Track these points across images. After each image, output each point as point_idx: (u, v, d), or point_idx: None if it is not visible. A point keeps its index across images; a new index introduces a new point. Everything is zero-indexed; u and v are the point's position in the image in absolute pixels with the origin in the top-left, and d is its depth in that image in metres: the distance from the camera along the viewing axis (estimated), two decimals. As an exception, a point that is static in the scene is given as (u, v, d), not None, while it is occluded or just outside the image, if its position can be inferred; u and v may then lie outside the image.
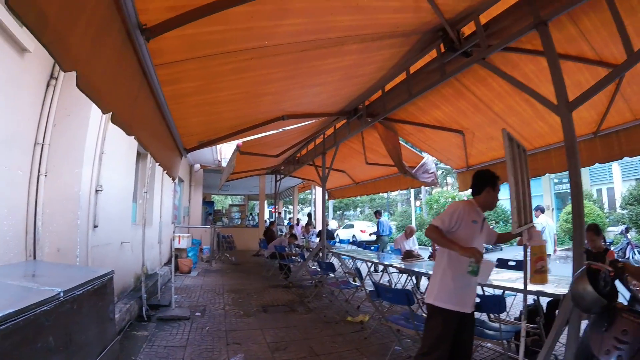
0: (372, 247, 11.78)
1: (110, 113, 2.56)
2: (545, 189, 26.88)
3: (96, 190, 5.67)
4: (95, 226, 5.64)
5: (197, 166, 18.34)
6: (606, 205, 23.22)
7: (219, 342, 5.67)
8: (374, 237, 26.12)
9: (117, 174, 6.71)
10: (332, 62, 4.80)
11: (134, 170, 7.69)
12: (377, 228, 15.02)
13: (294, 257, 11.63)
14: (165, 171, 5.39)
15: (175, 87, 4.04)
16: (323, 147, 10.31)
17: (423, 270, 6.53)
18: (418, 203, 42.77)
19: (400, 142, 8.76)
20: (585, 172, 23.69)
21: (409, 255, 7.91)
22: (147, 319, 6.57)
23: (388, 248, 13.69)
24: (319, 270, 9.41)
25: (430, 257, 8.43)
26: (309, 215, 23.50)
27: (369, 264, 10.35)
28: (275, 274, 11.73)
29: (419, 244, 16.97)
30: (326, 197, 10.88)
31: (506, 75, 4.26)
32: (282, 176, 17.13)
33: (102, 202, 5.84)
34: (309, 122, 8.83)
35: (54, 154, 5.02)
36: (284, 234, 17.85)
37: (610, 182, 23.79)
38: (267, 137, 9.17)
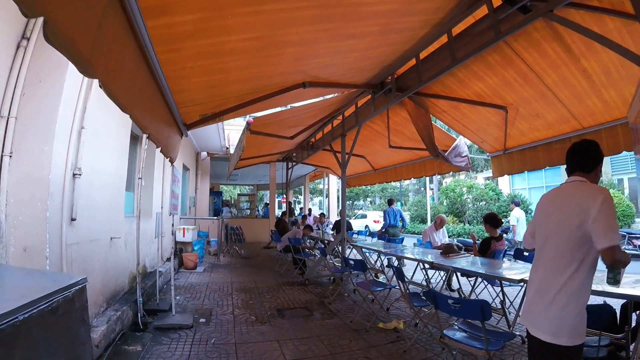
0: (397, 240, 10.66)
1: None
2: (564, 178, 25.77)
3: (73, 175, 4.59)
4: (73, 219, 4.56)
5: (204, 154, 17.35)
6: (627, 195, 22.01)
7: (228, 360, 4.62)
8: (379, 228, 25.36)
9: (105, 157, 5.64)
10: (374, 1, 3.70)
11: (127, 153, 6.64)
12: (384, 218, 13.30)
13: (310, 251, 10.59)
14: (159, 148, 4.31)
15: (166, 21, 2.91)
16: (342, 128, 9.28)
17: (482, 271, 5.57)
18: (430, 192, 41.91)
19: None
20: (606, 161, 22.76)
21: (449, 250, 6.81)
22: (143, 328, 5.56)
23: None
24: (341, 266, 8.36)
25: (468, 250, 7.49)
26: (309, 209, 22.45)
27: (386, 257, 9.37)
28: (289, 269, 10.64)
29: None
30: (345, 185, 9.77)
31: (585, 29, 3.48)
32: (294, 163, 16.12)
33: (82, 189, 4.74)
34: (331, 96, 7.77)
35: (22, 130, 3.97)
36: (297, 223, 16.89)
37: (632, 172, 22.75)
38: (282, 114, 8.03)
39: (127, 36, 2.60)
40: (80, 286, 2.96)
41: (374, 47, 4.97)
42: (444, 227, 9.53)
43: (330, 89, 6.84)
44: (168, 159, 5.03)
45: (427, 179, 32.79)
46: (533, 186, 29.49)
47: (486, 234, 7.19)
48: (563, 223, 2.57)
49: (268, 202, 23.62)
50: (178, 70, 3.79)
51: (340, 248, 9.17)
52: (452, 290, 8.07)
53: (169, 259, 10.46)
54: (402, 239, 11.02)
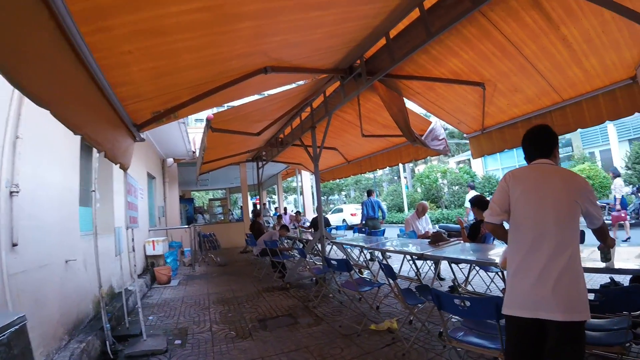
0: (379, 232, 10.19)
1: None
2: None
3: (10, 193, 3.95)
4: (14, 244, 3.93)
5: (170, 160, 16.65)
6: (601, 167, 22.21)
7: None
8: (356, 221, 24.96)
9: (51, 170, 4.99)
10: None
11: (78, 164, 5.98)
12: (362, 209, 12.70)
13: (289, 253, 10.06)
14: (102, 152, 3.70)
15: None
16: (312, 120, 8.77)
17: (477, 258, 5.23)
18: (405, 181, 41.90)
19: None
20: (576, 135, 23.07)
21: (438, 239, 6.35)
22: (113, 357, 4.96)
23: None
24: (323, 266, 7.87)
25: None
26: (284, 208, 21.91)
27: (367, 252, 8.91)
28: (268, 274, 10.10)
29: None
30: (319, 179, 9.26)
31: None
32: (264, 162, 15.55)
33: (24, 208, 4.10)
34: (297, 84, 7.25)
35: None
36: (272, 225, 16.31)
37: (603, 144, 23.00)
38: (245, 107, 7.37)
39: (38, 12, 2.04)
40: (17, 327, 2.42)
41: (342, 21, 4.43)
42: (426, 215, 9.13)
43: (295, 75, 6.30)
44: (118, 165, 4.42)
45: (401, 167, 32.72)
46: (506, 166, 29.73)
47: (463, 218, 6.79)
48: (561, 202, 2.59)
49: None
50: (113, 56, 3.20)
51: (319, 246, 8.67)
52: (442, 280, 7.68)
53: (141, 274, 9.84)
54: (384, 231, 10.57)
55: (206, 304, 7.63)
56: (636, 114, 5.42)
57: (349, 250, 9.29)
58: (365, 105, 8.25)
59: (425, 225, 9.02)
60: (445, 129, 9.28)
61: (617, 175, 12.80)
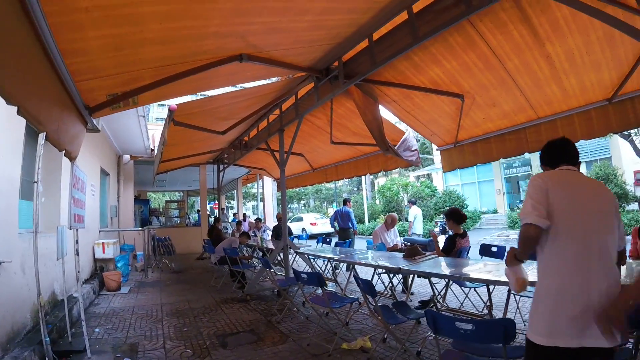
0: (346, 243, 9.77)
1: None
2: (496, 174, 27.37)
3: None
4: None
5: (127, 157, 15.81)
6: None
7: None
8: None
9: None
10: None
11: (22, 151, 5.32)
12: (336, 218, 12.44)
13: (249, 262, 9.53)
14: (43, 133, 3.14)
15: None
16: (280, 122, 8.35)
17: (455, 272, 4.85)
18: (364, 193, 41.93)
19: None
20: (535, 156, 23.37)
21: (414, 252, 5.97)
22: (51, 376, 4.35)
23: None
24: (286, 277, 7.41)
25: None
26: (244, 214, 21.35)
27: (333, 263, 8.52)
28: (226, 283, 9.49)
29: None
30: (285, 185, 8.80)
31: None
32: (226, 165, 14.98)
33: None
34: (268, 81, 6.81)
35: None
36: (230, 232, 15.68)
37: (586, 158, 23.35)
38: (212, 101, 6.78)
39: None
40: None
41: (330, 11, 4.03)
42: (395, 227, 8.78)
43: (269, 71, 5.84)
44: (62, 152, 3.84)
45: (363, 178, 32.62)
46: (466, 182, 30.16)
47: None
48: (604, 212, 2.30)
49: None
50: (66, 12, 2.66)
51: (282, 256, 8.20)
52: (412, 294, 7.34)
53: (88, 279, 9.11)
54: (350, 242, 10.18)
55: (159, 316, 7.00)
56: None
57: (312, 261, 8.83)
58: (337, 111, 7.97)
59: (394, 237, 8.67)
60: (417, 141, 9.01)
61: None
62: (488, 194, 28.08)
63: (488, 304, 5.15)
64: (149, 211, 23.04)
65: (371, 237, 9.43)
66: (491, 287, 5.02)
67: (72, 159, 4.31)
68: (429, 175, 34.85)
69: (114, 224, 14.11)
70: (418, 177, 35.57)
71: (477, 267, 4.86)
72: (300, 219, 29.76)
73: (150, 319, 6.85)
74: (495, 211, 26.62)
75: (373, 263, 6.05)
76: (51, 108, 3.20)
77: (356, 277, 4.41)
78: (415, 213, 13.17)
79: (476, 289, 6.15)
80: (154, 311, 7.37)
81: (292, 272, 5.42)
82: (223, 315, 6.84)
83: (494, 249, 6.42)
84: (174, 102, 6.97)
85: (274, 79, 6.99)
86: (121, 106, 4.79)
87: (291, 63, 5.63)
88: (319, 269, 9.27)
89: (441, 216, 22.93)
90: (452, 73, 5.66)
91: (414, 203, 14.82)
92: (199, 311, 7.22)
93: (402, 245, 8.60)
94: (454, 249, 6.19)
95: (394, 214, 8.90)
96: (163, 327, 6.26)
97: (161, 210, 26.86)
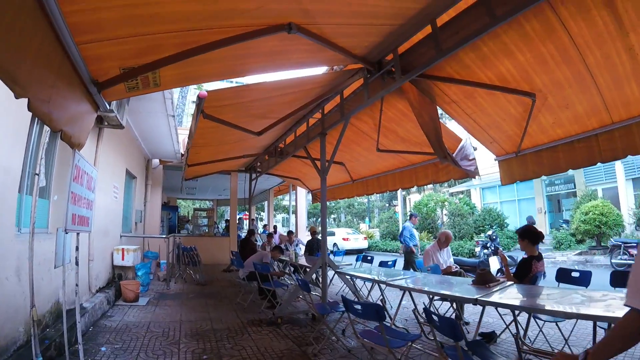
0: (390, 263, 8.72)
1: None
2: (537, 191, 25.76)
3: None
4: None
5: (156, 161, 15.19)
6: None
7: None
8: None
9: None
10: None
11: (26, 138, 4.54)
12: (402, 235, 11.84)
13: (282, 279, 8.60)
14: (29, 105, 2.29)
15: None
16: (322, 126, 7.46)
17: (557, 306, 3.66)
18: (397, 209, 40.74)
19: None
20: (579, 172, 22.19)
21: (487, 278, 4.94)
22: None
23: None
24: (323, 302, 6.44)
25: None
26: (275, 227, 20.55)
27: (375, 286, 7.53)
28: (254, 301, 8.52)
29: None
30: (325, 196, 7.82)
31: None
32: (258, 174, 14.15)
33: None
34: (312, 74, 5.93)
35: None
36: (260, 244, 14.82)
37: (607, 182, 22.12)
38: (246, 92, 5.87)
39: None
40: None
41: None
42: (449, 246, 7.73)
43: (315, 56, 4.94)
44: (58, 133, 2.96)
45: (399, 193, 31.63)
46: (505, 200, 28.53)
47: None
48: None
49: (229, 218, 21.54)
50: None
51: (320, 275, 7.25)
52: (467, 324, 6.41)
53: (103, 288, 8.33)
54: (395, 262, 9.13)
55: (176, 337, 6.08)
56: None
57: (351, 280, 7.83)
58: (386, 113, 7.08)
59: (447, 257, 7.62)
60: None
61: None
62: (528, 212, 26.35)
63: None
64: (177, 218, 22.42)
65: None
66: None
67: (73, 145, 3.44)
68: (465, 192, 33.44)
69: (138, 229, 13.41)
70: (452, 194, 34.19)
71: (572, 298, 3.92)
72: (332, 234, 28.76)
73: (167, 339, 5.96)
74: (536, 231, 25.07)
75: (438, 291, 5.03)
76: (39, 67, 2.38)
77: (429, 312, 3.39)
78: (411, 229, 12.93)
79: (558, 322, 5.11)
80: (171, 330, 6.48)
81: (342, 299, 4.38)
82: (250, 341, 5.88)
83: (575, 274, 5.53)
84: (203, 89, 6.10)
85: (323, 70, 6.12)
86: (140, 87, 3.94)
87: (343, 47, 4.72)
88: (358, 290, 8.27)
89: (482, 235, 21.62)
90: (525, 67, 4.80)
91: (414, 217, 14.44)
92: (223, 334, 6.28)
93: (455, 267, 7.55)
94: (529, 274, 5.19)
95: (448, 231, 7.81)
96: (179, 353, 5.33)
97: (189, 218, 26.28)
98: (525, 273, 5.24)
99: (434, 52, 4.31)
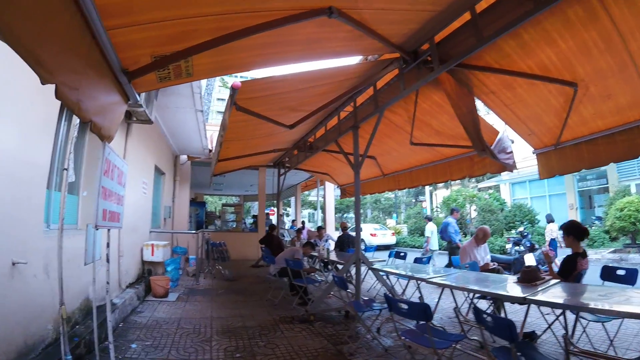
0: (424, 259, 8.48)
1: None
2: (568, 187, 24.73)
3: None
4: None
5: (184, 157, 15.20)
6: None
7: None
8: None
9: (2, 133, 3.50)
10: None
11: (54, 130, 4.46)
12: (445, 232, 11.53)
13: (315, 276, 8.44)
14: (57, 92, 2.17)
15: None
16: (355, 118, 7.25)
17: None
18: (424, 204, 40.33)
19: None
20: (612, 167, 21.45)
21: (533, 276, 4.70)
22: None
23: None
24: (358, 299, 6.23)
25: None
26: (303, 222, 20.44)
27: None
28: (285, 297, 8.35)
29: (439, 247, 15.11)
30: (359, 191, 7.57)
31: None
32: (287, 169, 14.01)
33: None
34: (347, 66, 5.74)
35: None
36: (289, 240, 14.70)
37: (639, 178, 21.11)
38: (279, 83, 5.68)
39: None
40: None
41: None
42: (486, 243, 7.45)
43: (352, 45, 4.75)
44: (87, 126, 2.84)
45: (427, 189, 31.24)
46: (535, 195, 27.66)
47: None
48: None
49: (256, 214, 21.52)
50: None
51: (354, 271, 7.05)
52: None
53: (133, 283, 8.29)
54: (429, 258, 8.87)
55: (208, 334, 5.98)
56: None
57: (384, 277, 7.62)
58: (421, 105, 6.82)
59: (484, 254, 7.35)
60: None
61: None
62: (559, 208, 25.54)
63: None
64: (205, 214, 22.47)
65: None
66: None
67: (102, 137, 3.32)
68: (493, 187, 32.72)
69: (167, 225, 13.41)
70: (480, 189, 33.55)
71: (622, 297, 3.72)
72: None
73: (198, 336, 5.86)
74: (568, 228, 24.20)
75: (484, 289, 4.78)
76: (66, 52, 2.25)
77: (478, 311, 3.18)
78: (431, 229, 14.30)
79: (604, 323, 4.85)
80: (202, 327, 6.39)
81: (385, 297, 4.19)
82: (283, 339, 5.74)
83: (621, 272, 5.23)
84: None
85: (358, 59, 5.92)
86: (172, 77, 3.80)
87: (382, 34, 4.52)
88: (391, 287, 8.06)
89: (513, 232, 21.11)
90: (567, 55, 4.56)
91: (430, 219, 15.62)
92: (255, 331, 6.15)
93: (493, 264, 7.27)
94: (574, 272, 4.93)
95: (486, 227, 7.50)
96: (211, 351, 5.22)
97: (217, 214, 26.35)
98: (570, 271, 4.99)
99: (474, 40, 4.13)
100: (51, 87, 2.13)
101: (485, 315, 3.08)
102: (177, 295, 8.85)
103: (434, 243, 14.13)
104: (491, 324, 3.09)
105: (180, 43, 3.31)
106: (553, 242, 14.55)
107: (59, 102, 4.23)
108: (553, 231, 15.00)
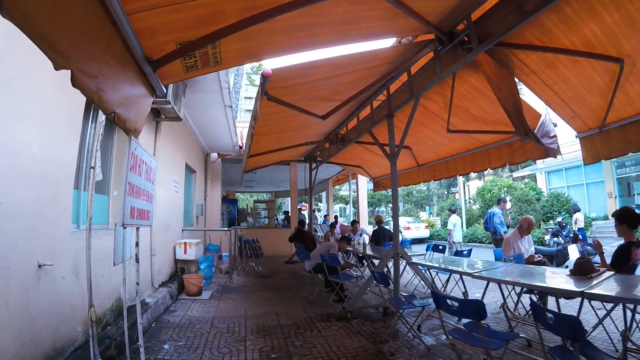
0: (465, 252, 8.14)
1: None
2: (606, 174, 23.54)
3: None
4: None
5: (214, 155, 15.11)
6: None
7: None
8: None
9: (24, 130, 3.33)
10: None
11: (80, 128, 4.32)
12: (490, 222, 11.07)
13: (349, 271, 8.18)
14: (73, 78, 1.98)
15: None
16: (389, 106, 6.96)
17: None
18: (457, 195, 39.57)
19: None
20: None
21: (588, 268, 4.36)
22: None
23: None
24: (408, 297, 5.93)
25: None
26: (335, 217, 20.18)
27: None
28: (320, 294, 8.15)
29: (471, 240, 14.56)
30: (396, 182, 7.22)
31: None
32: (318, 163, 13.76)
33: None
34: (380, 50, 5.44)
35: None
36: (322, 235, 14.48)
37: None
38: (311, 70, 5.38)
39: None
40: None
41: None
42: (530, 234, 7.04)
43: (386, 25, 4.47)
44: (111, 116, 2.63)
45: (460, 180, 30.63)
46: (572, 184, 26.63)
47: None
48: None
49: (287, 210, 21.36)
50: None
51: (392, 265, 6.78)
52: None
53: (166, 282, 8.18)
54: (470, 251, 8.48)
55: (242, 333, 5.80)
56: None
57: (425, 271, 7.31)
58: (458, 90, 6.46)
59: (528, 246, 6.95)
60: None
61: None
62: (597, 197, 24.49)
63: None
64: (237, 211, 22.44)
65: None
66: None
67: (128, 131, 3.11)
68: (528, 177, 31.75)
69: (199, 223, 13.35)
70: (515, 179, 32.63)
71: None
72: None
73: (232, 336, 5.68)
74: (606, 217, 22.58)
75: (537, 284, 4.45)
76: (84, 37, 2.06)
77: (535, 306, 2.87)
78: (454, 221, 14.55)
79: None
80: (236, 325, 6.21)
81: (432, 294, 3.91)
82: (320, 338, 5.51)
83: None
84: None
85: (391, 42, 5.62)
86: (199, 66, 3.58)
87: (418, 12, 4.23)
88: (432, 281, 7.75)
89: (551, 222, 20.39)
90: (613, 29, 4.22)
91: (454, 212, 15.65)
92: (290, 330, 5.95)
93: (538, 256, 6.89)
94: (628, 262, 4.58)
95: (531, 217, 7.08)
96: (246, 351, 5.01)
97: (249, 210, 26.32)
98: (625, 261, 4.66)
99: (516, 15, 3.89)
100: (67, 77, 1.94)
101: (547, 313, 2.77)
102: (211, 293, 8.73)
103: (457, 235, 14.33)
104: (553, 322, 2.78)
105: (205, 27, 3.06)
106: (581, 231, 14.74)
107: (84, 100, 4.13)
108: (579, 220, 15.46)
